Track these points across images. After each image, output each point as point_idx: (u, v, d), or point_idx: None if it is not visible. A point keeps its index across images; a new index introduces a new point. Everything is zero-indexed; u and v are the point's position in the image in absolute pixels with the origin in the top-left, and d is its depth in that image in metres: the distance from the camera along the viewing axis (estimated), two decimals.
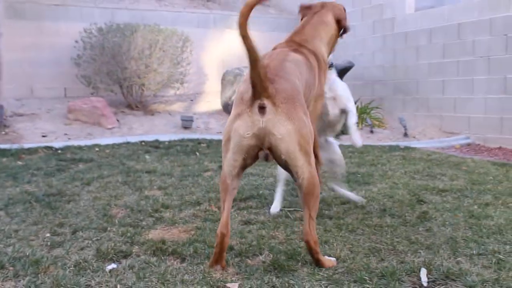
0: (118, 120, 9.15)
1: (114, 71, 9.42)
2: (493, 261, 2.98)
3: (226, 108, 10.15)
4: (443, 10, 9.24)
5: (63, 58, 10.06)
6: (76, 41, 9.86)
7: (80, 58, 9.85)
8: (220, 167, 5.77)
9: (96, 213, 3.95)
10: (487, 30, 8.27)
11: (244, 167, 2.87)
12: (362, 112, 9.90)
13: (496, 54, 8.16)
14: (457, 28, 8.84)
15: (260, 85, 2.67)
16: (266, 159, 2.83)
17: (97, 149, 7.05)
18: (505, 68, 7.96)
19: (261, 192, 4.59)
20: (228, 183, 2.84)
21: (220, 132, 9.09)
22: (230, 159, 2.82)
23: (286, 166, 2.83)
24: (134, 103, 9.95)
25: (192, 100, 11.10)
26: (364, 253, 3.10)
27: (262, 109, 2.69)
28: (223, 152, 2.87)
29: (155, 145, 7.46)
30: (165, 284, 2.61)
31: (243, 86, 2.86)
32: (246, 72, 2.84)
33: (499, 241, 3.37)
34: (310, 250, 2.90)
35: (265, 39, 11.82)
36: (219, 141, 7.75)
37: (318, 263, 2.89)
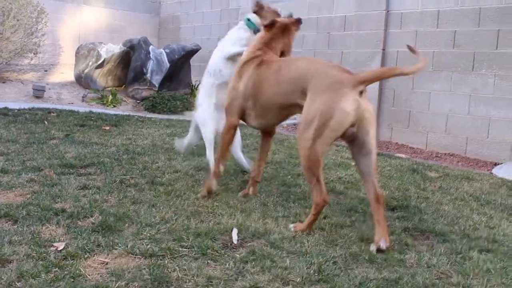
0: None
1: None
2: (294, 222, 3.26)
3: (79, 80, 9.69)
4: (281, 5, 9.59)
5: None
6: None
7: None
8: (67, 135, 5.61)
9: None
10: (314, 28, 8.79)
11: None
12: None
13: (320, 49, 8.71)
14: None
15: (369, 77, 2.99)
16: (351, 136, 2.98)
17: None
18: (327, 60, 8.52)
19: (101, 159, 4.50)
20: (321, 160, 3.01)
21: (72, 103, 8.69)
22: (327, 138, 2.96)
23: (364, 141, 2.99)
24: None
25: (46, 71, 10.44)
26: (186, 216, 3.21)
27: (361, 93, 2.94)
28: (314, 134, 2.95)
29: (4, 112, 6.92)
30: None
31: (340, 73, 3.03)
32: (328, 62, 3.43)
33: (302, 205, 3.68)
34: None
35: (121, 17, 11.52)
36: (70, 111, 7.45)
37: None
